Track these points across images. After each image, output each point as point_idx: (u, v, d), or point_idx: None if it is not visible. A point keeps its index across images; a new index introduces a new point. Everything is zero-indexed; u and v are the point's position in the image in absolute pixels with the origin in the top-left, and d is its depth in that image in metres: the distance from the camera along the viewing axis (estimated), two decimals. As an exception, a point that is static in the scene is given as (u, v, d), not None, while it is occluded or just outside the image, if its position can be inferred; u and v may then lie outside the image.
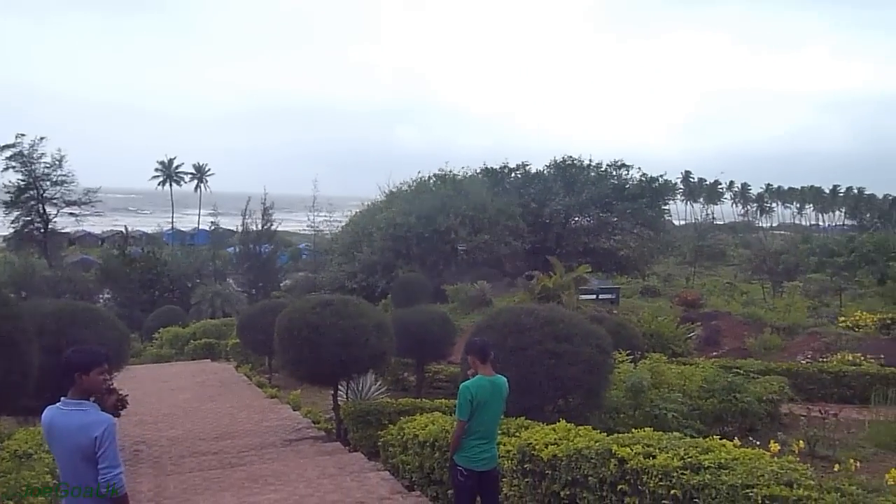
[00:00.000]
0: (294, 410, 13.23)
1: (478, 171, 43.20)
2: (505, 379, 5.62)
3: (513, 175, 44.07)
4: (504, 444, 6.50)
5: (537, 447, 5.96)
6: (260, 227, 45.75)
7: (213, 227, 57.85)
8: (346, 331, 9.92)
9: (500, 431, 6.69)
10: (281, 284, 46.64)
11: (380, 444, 9.39)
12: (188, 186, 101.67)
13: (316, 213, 54.31)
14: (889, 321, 23.53)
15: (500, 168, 44.37)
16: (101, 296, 43.60)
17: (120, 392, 4.16)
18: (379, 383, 13.15)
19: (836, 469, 9.00)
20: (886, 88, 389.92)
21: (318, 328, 9.91)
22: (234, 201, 62.83)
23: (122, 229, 75.06)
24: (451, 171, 38.64)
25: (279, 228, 49.57)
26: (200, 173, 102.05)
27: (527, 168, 44.25)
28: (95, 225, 74.52)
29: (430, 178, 38.16)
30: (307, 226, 56.62)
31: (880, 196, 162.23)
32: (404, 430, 8.59)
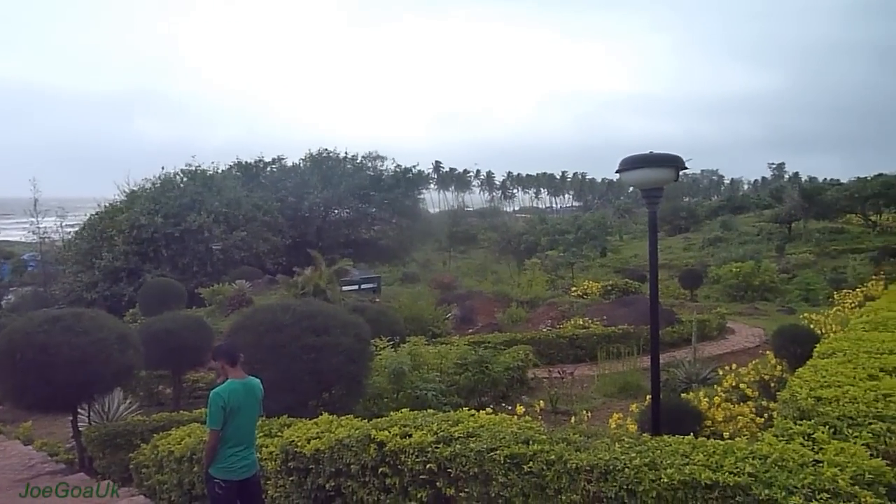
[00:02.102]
0: (26, 445, 11.58)
1: (231, 165, 41.46)
2: (258, 380, 5.46)
3: (268, 169, 43.06)
4: (266, 446, 6.35)
5: (300, 444, 5.92)
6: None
7: None
8: (83, 348, 8.91)
9: (261, 433, 6.52)
10: (2, 302, 40.44)
11: (132, 466, 8.66)
12: None
13: (42, 218, 47.59)
14: (609, 287, 27.33)
15: (255, 162, 43.08)
16: None
17: None
18: (129, 401, 12.04)
19: (572, 421, 10.26)
20: (600, 87, 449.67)
21: (46, 348, 8.76)
22: (-70, 209, 52.90)
23: None
24: (199, 166, 36.53)
25: (-4, 238, 42.90)
26: None
27: (282, 162, 43.54)
28: None
29: (176, 173, 35.67)
30: (31, 233, 49.38)
31: (599, 180, 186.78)
32: (158, 448, 8.01)
